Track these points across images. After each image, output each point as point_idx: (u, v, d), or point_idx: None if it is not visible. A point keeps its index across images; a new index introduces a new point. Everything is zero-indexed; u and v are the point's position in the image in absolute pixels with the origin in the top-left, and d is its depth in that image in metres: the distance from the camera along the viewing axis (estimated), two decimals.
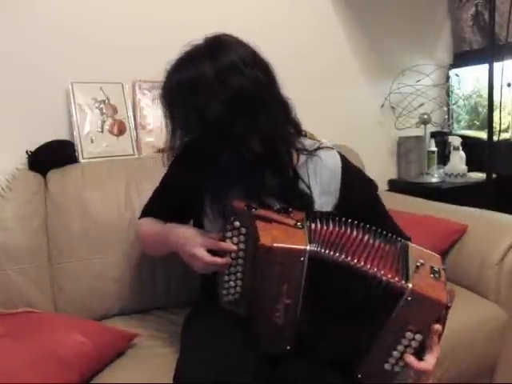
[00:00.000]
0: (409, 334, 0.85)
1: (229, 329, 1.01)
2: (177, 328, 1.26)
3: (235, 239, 0.96)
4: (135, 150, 1.68)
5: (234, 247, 0.95)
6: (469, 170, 2.16)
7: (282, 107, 1.02)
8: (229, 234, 0.96)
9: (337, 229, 0.94)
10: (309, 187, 1.09)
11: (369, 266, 0.87)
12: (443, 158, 2.28)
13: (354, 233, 0.94)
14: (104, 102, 1.66)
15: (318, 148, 1.12)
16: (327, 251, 0.89)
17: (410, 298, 0.83)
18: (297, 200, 1.06)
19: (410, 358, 0.85)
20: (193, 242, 1.00)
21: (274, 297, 0.90)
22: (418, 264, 0.89)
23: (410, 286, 0.83)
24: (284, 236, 0.91)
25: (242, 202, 0.97)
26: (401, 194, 1.96)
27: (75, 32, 1.64)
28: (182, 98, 0.96)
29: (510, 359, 1.38)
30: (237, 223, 0.95)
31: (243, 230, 0.95)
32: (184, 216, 1.17)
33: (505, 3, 2.10)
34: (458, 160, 2.15)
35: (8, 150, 1.53)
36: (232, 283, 0.98)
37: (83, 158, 1.58)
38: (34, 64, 1.59)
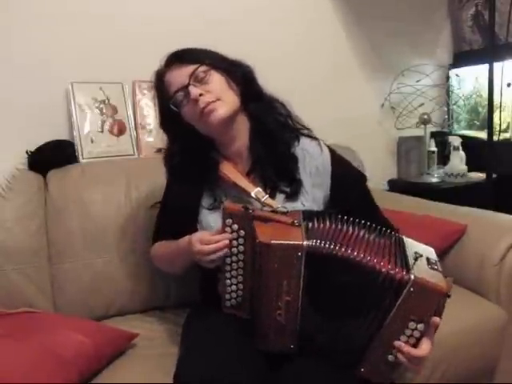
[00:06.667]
0: (412, 324, 0.86)
1: (229, 328, 1.01)
2: (177, 328, 1.26)
3: (234, 242, 0.96)
4: (135, 150, 1.68)
5: (229, 235, 0.96)
6: (469, 170, 2.16)
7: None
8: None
9: (333, 226, 0.95)
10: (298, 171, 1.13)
11: (368, 258, 0.88)
12: (443, 158, 2.28)
13: (350, 229, 0.95)
14: (104, 101, 1.66)
15: (306, 135, 1.17)
16: (325, 245, 0.89)
17: (412, 289, 0.85)
18: (293, 163, 1.11)
19: (408, 347, 0.87)
20: (192, 241, 1.02)
21: (275, 294, 0.90)
22: (417, 256, 0.91)
23: (413, 277, 0.85)
24: (281, 233, 0.92)
25: (237, 204, 0.98)
26: (401, 193, 1.96)
27: (75, 32, 1.64)
28: None
29: (510, 359, 1.38)
30: (235, 226, 0.95)
31: (242, 233, 0.95)
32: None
33: (505, 3, 2.10)
34: (458, 160, 2.15)
35: (8, 150, 1.54)
36: (234, 287, 0.98)
37: (83, 158, 1.58)
38: (34, 64, 1.59)
